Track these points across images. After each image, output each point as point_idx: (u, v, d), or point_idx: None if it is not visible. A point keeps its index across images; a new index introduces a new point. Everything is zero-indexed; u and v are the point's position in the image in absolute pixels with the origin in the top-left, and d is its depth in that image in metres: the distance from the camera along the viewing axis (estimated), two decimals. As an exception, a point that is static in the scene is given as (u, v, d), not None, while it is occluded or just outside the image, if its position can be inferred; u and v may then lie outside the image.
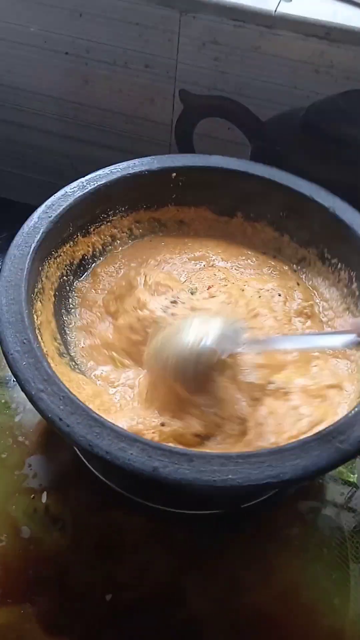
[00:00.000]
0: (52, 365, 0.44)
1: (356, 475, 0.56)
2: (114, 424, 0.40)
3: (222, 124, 0.74)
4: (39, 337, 0.46)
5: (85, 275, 0.59)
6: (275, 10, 0.63)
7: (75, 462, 0.52)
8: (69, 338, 0.54)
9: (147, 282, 0.56)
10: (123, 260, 0.61)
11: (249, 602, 0.48)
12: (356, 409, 0.43)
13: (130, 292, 0.55)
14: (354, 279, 0.56)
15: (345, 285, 0.57)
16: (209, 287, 0.56)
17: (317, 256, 0.60)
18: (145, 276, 0.56)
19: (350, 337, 0.36)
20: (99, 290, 0.58)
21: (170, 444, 0.44)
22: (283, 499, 0.53)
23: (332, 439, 0.41)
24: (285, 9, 0.63)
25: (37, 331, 0.47)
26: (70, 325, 0.55)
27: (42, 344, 0.46)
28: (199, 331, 0.44)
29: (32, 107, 0.80)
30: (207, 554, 0.50)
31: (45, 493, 0.52)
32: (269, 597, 0.48)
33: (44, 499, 0.52)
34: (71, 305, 0.57)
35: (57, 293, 0.55)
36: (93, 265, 0.60)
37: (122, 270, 0.60)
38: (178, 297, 0.54)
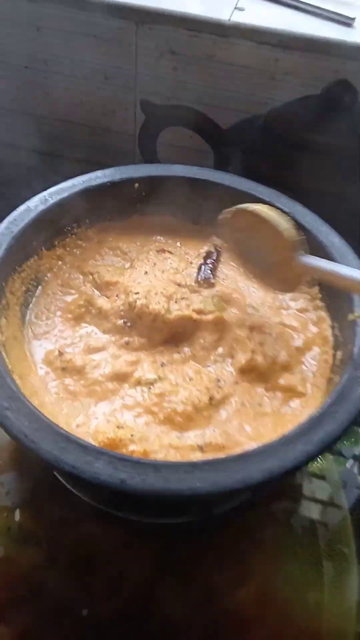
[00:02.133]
0: (17, 381, 0.44)
1: (327, 474, 0.57)
2: (79, 438, 0.40)
3: (184, 132, 0.75)
4: (3, 354, 0.46)
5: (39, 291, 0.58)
6: (229, 19, 0.64)
7: (48, 478, 0.52)
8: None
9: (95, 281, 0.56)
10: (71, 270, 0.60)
11: (225, 607, 0.48)
12: (319, 411, 0.43)
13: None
14: (315, 282, 0.57)
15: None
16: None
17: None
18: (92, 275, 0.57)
19: None
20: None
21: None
22: (256, 501, 0.53)
23: (296, 441, 0.41)
24: (239, 17, 0.65)
25: (1, 347, 0.47)
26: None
27: (6, 360, 0.45)
28: None
29: (-6, 121, 0.80)
30: (181, 562, 0.50)
31: (18, 510, 0.52)
32: (245, 600, 0.49)
33: (17, 516, 0.52)
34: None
35: (23, 308, 0.55)
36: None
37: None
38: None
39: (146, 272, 0.57)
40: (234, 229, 0.54)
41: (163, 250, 0.61)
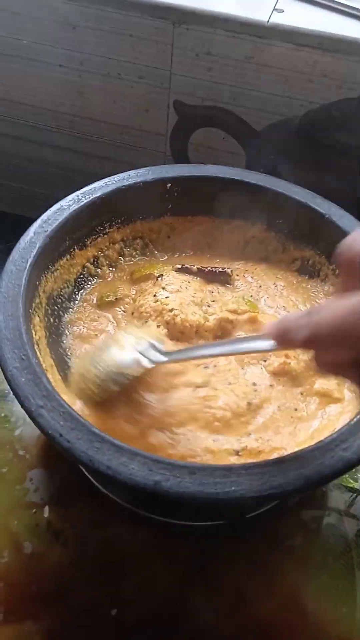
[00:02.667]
0: (51, 380, 0.44)
1: (359, 482, 0.56)
2: (114, 439, 0.40)
3: (217, 133, 0.74)
4: (38, 353, 0.46)
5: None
6: (268, 21, 0.64)
7: (77, 475, 0.52)
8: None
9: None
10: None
11: (253, 613, 0.48)
12: (358, 417, 0.43)
13: None
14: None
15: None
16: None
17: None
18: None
19: (269, 342, 0.35)
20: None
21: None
22: (287, 507, 0.53)
23: (334, 447, 0.41)
24: (278, 19, 0.64)
25: (35, 346, 0.47)
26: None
27: (40, 359, 0.45)
28: (117, 347, 0.45)
29: (27, 119, 0.80)
30: (211, 565, 0.49)
31: (47, 507, 0.52)
32: (274, 608, 0.48)
33: (45, 513, 0.52)
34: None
35: (56, 307, 0.55)
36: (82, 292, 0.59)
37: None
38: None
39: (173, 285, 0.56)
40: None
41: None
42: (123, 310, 0.57)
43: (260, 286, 0.59)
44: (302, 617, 0.48)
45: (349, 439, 0.41)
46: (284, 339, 0.33)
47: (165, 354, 0.45)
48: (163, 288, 0.55)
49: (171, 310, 0.53)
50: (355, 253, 0.31)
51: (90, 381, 0.44)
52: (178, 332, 0.52)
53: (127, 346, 0.45)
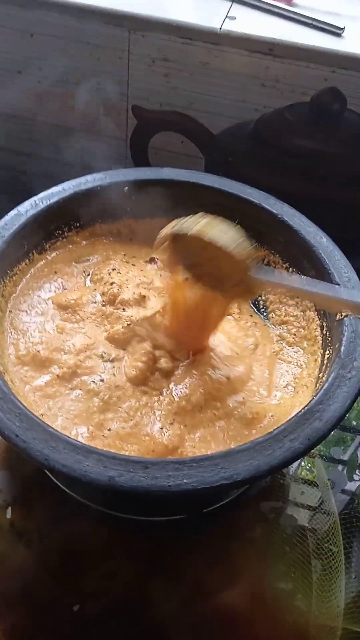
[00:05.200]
0: (8, 382, 0.44)
1: (315, 474, 0.57)
2: (69, 437, 0.41)
3: (176, 137, 0.76)
4: (-5, 356, 0.47)
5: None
6: (221, 28, 0.65)
7: (39, 475, 0.52)
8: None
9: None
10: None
11: (214, 604, 0.49)
12: (306, 408, 0.44)
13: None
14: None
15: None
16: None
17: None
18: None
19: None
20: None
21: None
22: (245, 500, 0.54)
23: (283, 437, 0.42)
24: (230, 26, 0.66)
25: (-7, 350, 0.47)
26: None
27: (-3, 362, 0.46)
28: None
29: (-14, 125, 0.81)
30: (171, 559, 0.51)
31: (9, 508, 0.53)
32: (234, 598, 0.49)
33: (8, 514, 0.52)
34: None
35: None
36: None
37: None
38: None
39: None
40: (176, 254, 0.47)
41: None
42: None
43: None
44: (261, 605, 0.49)
45: (296, 430, 0.42)
46: None
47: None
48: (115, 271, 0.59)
49: (112, 283, 0.56)
50: None
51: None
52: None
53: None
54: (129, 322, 0.53)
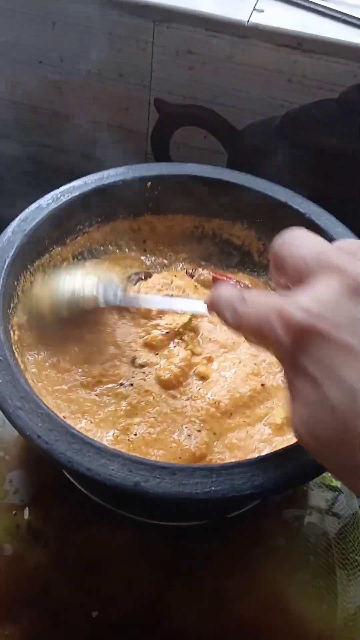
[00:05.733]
0: (30, 381, 0.43)
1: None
2: (93, 440, 0.40)
3: (198, 132, 0.74)
4: (16, 353, 0.45)
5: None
6: (248, 21, 0.64)
7: (58, 476, 0.51)
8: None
9: None
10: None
11: (235, 613, 0.48)
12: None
13: None
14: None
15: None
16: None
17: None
18: None
19: (202, 305, 0.38)
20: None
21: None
22: (268, 507, 0.53)
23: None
24: (258, 19, 0.64)
25: (14, 347, 0.46)
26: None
27: (18, 360, 0.45)
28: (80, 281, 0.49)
29: (7, 116, 0.79)
30: (192, 566, 0.49)
31: (27, 509, 0.52)
32: (255, 607, 0.48)
33: (26, 515, 0.51)
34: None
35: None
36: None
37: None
38: None
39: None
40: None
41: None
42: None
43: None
44: (283, 616, 0.48)
45: (328, 438, 0.41)
46: (214, 309, 0.34)
47: (119, 298, 0.48)
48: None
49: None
50: (277, 254, 0.32)
51: (45, 300, 0.47)
52: None
53: (88, 281, 0.48)
54: (167, 330, 0.52)
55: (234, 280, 0.60)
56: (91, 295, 0.47)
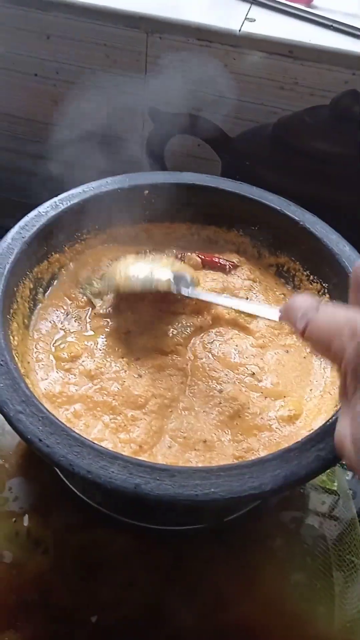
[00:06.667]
0: (30, 385, 0.44)
1: (336, 483, 0.56)
2: (94, 443, 0.40)
3: (193, 140, 0.75)
4: (16, 358, 0.46)
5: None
6: (240, 30, 0.65)
7: (56, 483, 0.52)
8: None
9: None
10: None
11: (233, 615, 0.48)
12: (334, 417, 0.43)
13: None
14: (325, 291, 0.57)
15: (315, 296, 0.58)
16: None
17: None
18: None
19: (275, 313, 0.40)
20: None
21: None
22: (266, 509, 0.53)
23: (311, 447, 0.41)
24: (249, 28, 0.65)
25: (13, 352, 0.46)
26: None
27: (18, 364, 0.45)
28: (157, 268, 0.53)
29: (2, 128, 0.80)
30: (190, 569, 0.50)
31: (26, 516, 0.52)
32: (254, 609, 0.48)
33: (25, 522, 0.51)
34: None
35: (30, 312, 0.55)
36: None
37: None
38: None
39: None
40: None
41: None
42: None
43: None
44: (281, 617, 0.48)
45: (325, 439, 0.41)
46: (286, 316, 0.35)
47: (190, 289, 0.53)
48: None
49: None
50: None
51: (125, 274, 0.52)
52: None
53: (165, 266, 0.54)
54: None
55: (223, 260, 0.62)
56: (165, 280, 0.52)
